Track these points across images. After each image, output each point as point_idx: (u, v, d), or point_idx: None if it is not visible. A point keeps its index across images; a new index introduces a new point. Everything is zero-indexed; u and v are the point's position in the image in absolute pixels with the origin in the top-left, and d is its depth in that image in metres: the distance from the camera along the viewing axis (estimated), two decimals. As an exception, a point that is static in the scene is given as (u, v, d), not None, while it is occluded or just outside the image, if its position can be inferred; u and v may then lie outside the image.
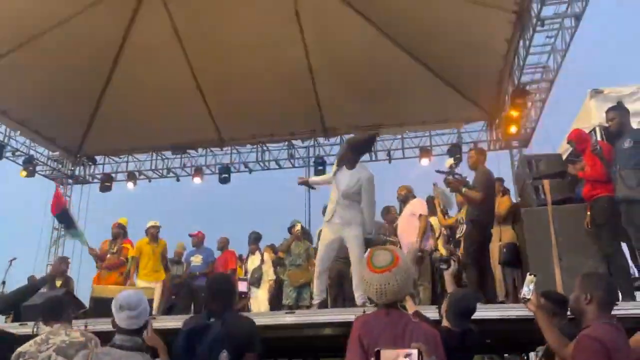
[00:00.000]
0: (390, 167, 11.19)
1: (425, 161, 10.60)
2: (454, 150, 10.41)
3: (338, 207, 5.31)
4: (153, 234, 7.75)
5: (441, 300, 3.67)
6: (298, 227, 7.76)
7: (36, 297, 5.28)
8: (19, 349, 2.93)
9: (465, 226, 5.85)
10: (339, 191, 5.30)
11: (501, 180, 6.71)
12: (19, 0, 7.42)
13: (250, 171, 11.90)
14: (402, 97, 9.72)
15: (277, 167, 11.81)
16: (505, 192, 6.62)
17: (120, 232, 8.04)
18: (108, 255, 7.82)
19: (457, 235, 6.64)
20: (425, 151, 10.68)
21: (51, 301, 3.41)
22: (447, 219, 7.05)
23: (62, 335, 3.03)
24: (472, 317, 3.38)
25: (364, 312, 3.74)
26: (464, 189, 5.52)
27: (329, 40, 8.91)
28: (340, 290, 7.40)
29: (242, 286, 7.61)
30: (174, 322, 4.21)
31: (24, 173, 10.71)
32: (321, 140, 11.40)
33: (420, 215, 6.20)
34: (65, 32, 8.14)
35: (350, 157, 5.38)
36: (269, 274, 8.03)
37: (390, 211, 7.36)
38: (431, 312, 3.92)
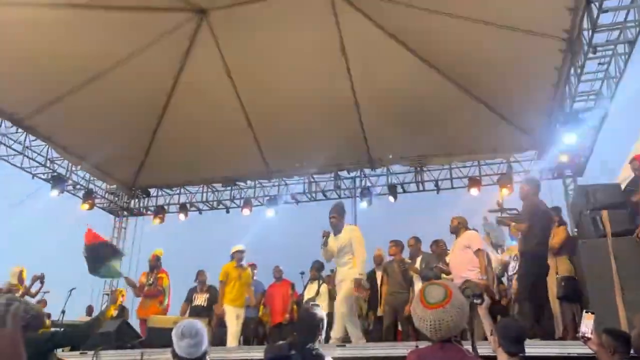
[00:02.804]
0: (438, 198, 11.07)
1: (474, 191, 10.40)
2: (504, 180, 10.20)
3: (338, 268, 6.30)
4: (239, 259, 7.72)
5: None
6: None
7: (107, 324, 5.48)
8: None
9: (518, 261, 5.70)
10: (335, 255, 6.22)
11: (557, 210, 6.51)
12: (83, 42, 7.89)
13: (298, 202, 12.02)
14: (449, 127, 9.65)
15: (324, 198, 11.86)
16: (562, 222, 6.41)
17: (156, 264, 8.26)
18: (145, 288, 8.05)
19: (510, 272, 6.47)
20: (474, 181, 10.49)
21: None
22: (499, 257, 6.90)
23: None
24: (531, 354, 3.28)
25: (417, 346, 3.68)
26: (512, 224, 5.42)
27: (375, 72, 9.02)
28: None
29: None
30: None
31: (85, 206, 11.15)
32: (367, 171, 11.43)
33: (479, 250, 6.00)
34: (123, 71, 8.59)
35: (338, 222, 6.24)
36: (322, 307, 7.97)
37: (438, 244, 7.27)
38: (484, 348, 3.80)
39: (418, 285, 6.73)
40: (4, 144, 9.64)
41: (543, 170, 10.41)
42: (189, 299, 8.13)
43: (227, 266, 7.70)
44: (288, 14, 7.99)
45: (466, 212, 7.12)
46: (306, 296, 7.97)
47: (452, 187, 11.04)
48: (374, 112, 9.68)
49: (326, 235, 6.19)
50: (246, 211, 11.69)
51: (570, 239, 6.22)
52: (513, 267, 6.57)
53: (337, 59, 8.73)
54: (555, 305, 5.83)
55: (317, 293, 7.94)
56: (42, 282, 8.09)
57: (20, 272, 8.11)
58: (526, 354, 3.27)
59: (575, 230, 6.42)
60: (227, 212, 12.28)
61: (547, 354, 4.32)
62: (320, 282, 8.03)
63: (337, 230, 6.21)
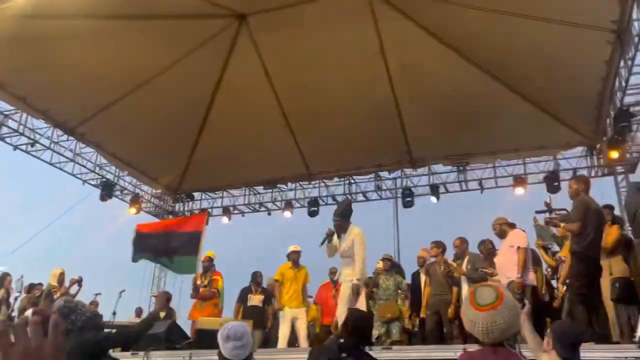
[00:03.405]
0: (483, 198, 10.86)
1: (519, 190, 10.14)
2: (551, 179, 9.90)
3: (342, 267, 6.21)
4: (294, 259, 7.78)
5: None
6: (379, 265, 7.82)
7: (157, 326, 5.64)
8: None
9: (565, 262, 5.54)
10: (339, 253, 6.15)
11: (610, 208, 6.26)
12: (129, 51, 8.14)
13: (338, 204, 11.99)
14: (493, 125, 9.44)
15: (364, 199, 11.82)
16: (615, 221, 6.15)
17: (209, 266, 8.37)
18: (201, 289, 8.16)
19: (560, 273, 6.28)
20: (519, 180, 10.23)
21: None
22: (549, 258, 6.72)
23: None
24: (585, 359, 3.16)
25: (464, 350, 3.61)
26: (562, 224, 5.25)
27: (415, 71, 8.93)
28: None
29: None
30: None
31: (133, 210, 11.49)
32: (408, 171, 11.31)
33: (519, 247, 5.91)
34: (167, 78, 8.80)
35: (341, 225, 6.10)
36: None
37: (485, 244, 7.13)
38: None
39: (465, 287, 6.62)
40: (56, 152, 10.03)
41: (592, 168, 10.05)
42: (242, 299, 8.24)
43: (283, 267, 7.78)
44: (325, 17, 8.00)
45: (512, 211, 6.97)
46: None
47: (497, 186, 10.81)
48: (415, 111, 9.57)
49: (329, 233, 6.19)
50: (287, 213, 11.78)
51: (625, 238, 5.97)
52: (563, 268, 6.38)
53: (377, 59, 8.69)
54: (610, 307, 5.61)
55: None
56: (79, 285, 8.36)
57: (61, 274, 8.40)
58: (581, 359, 3.16)
59: (630, 229, 6.16)
60: (269, 214, 12.41)
61: (601, 358, 4.15)
62: None
63: (342, 231, 6.16)
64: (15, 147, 9.42)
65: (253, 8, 8.09)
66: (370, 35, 8.32)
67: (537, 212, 5.93)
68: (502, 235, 6.20)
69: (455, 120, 9.41)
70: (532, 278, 6.00)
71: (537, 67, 8.07)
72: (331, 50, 8.60)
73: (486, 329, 2.10)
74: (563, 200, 6.62)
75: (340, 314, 5.90)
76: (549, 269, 6.67)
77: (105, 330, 4.54)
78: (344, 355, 2.75)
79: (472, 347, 2.52)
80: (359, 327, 2.96)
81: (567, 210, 5.26)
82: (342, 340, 2.90)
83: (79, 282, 8.35)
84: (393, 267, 8.04)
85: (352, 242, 5.97)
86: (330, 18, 8.03)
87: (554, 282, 6.94)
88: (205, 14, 7.98)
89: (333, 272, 8.67)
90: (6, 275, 8.60)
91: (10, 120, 9.17)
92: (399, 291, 7.61)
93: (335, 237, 6.18)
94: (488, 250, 6.91)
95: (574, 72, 7.88)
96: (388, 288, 7.48)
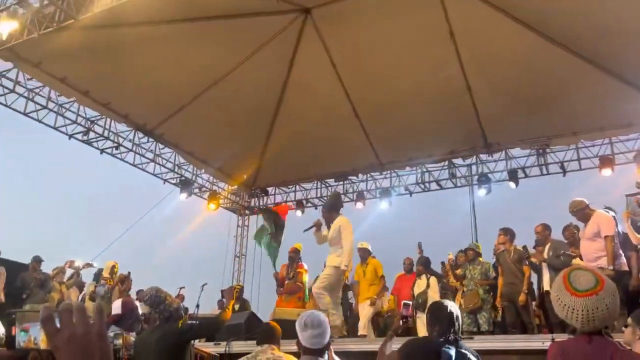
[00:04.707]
0: (565, 181, 10.27)
1: (606, 172, 9.47)
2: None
3: (328, 255, 6.66)
4: (361, 256, 7.98)
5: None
6: (450, 257, 7.97)
7: (236, 317, 5.85)
8: None
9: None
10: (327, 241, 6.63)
11: None
12: (199, 52, 8.44)
13: (411, 193, 11.80)
14: (574, 104, 8.88)
15: (438, 187, 11.53)
16: None
17: (295, 257, 8.42)
18: (286, 281, 8.26)
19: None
20: (606, 161, 9.55)
21: (268, 328, 3.84)
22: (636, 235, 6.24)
23: (267, 353, 3.39)
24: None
25: (553, 339, 3.44)
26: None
27: (487, 51, 8.57)
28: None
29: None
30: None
31: (211, 206, 11.89)
32: (484, 157, 10.90)
33: (606, 236, 5.55)
34: (237, 76, 9.04)
35: (328, 216, 6.68)
36: (434, 299, 7.84)
37: (569, 229, 6.77)
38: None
39: (546, 274, 6.34)
40: (138, 153, 10.59)
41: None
42: None
43: (357, 266, 8.00)
44: (390, 3, 7.86)
45: (599, 194, 6.55)
46: (416, 291, 7.88)
47: (580, 169, 10.17)
48: (488, 93, 9.19)
49: (317, 224, 6.70)
50: (360, 204, 11.73)
51: None
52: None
53: (445, 42, 8.41)
54: None
55: (428, 286, 7.81)
56: (129, 281, 8.79)
57: (113, 267, 8.82)
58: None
59: None
60: (341, 206, 12.40)
61: None
62: (428, 275, 7.93)
63: (329, 221, 6.64)
64: (102, 151, 10.03)
65: (317, 1, 8.10)
66: (438, 18, 8.06)
67: (628, 195, 5.51)
68: (586, 219, 5.84)
69: (532, 101, 8.95)
70: (621, 262, 5.60)
71: (621, 38, 7.48)
72: (398, 36, 8.44)
73: (586, 316, 1.97)
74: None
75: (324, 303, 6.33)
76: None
77: (189, 321, 4.74)
78: (448, 346, 2.68)
79: (560, 337, 2.38)
80: (446, 317, 2.88)
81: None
82: (439, 332, 2.83)
83: (127, 277, 8.79)
84: (477, 254, 7.86)
85: (337, 231, 6.46)
86: (395, 3, 7.88)
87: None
88: (270, 11, 8.09)
89: (410, 263, 8.57)
90: (101, 270, 9.19)
91: (96, 126, 9.77)
92: (480, 280, 7.42)
93: (324, 227, 6.67)
94: (573, 236, 6.55)
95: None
96: (473, 278, 7.34)
